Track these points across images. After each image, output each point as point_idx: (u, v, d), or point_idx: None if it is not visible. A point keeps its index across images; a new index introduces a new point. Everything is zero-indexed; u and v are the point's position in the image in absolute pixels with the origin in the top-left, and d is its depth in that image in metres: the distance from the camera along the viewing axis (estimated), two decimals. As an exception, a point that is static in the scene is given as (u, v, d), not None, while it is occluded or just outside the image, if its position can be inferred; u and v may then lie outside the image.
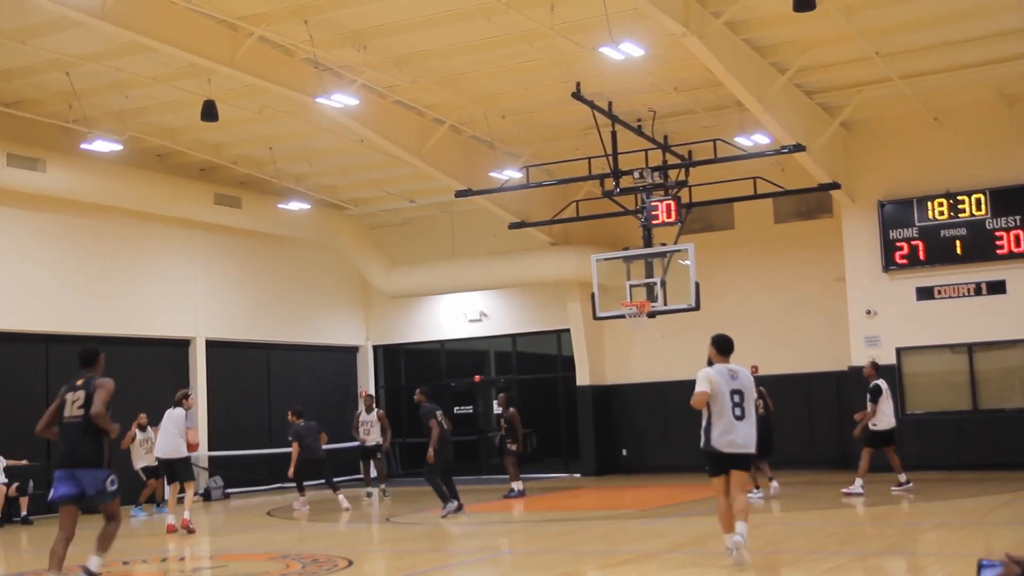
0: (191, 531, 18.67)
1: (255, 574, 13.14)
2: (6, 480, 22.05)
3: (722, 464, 11.57)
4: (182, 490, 19.43)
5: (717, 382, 11.56)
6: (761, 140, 23.70)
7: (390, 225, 32.61)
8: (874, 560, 12.42)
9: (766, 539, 14.58)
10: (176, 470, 19.49)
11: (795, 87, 23.39)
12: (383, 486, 25.46)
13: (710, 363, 11.92)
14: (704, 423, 11.65)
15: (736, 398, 11.50)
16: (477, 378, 31.81)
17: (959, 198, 25.12)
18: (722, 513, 11.53)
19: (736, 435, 11.48)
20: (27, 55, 20.67)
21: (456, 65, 22.04)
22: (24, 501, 22.10)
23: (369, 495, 24.76)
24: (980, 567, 5.41)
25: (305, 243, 31.17)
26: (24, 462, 22.34)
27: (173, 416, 19.44)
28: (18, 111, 23.17)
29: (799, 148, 22.32)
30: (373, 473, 25.67)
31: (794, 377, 27.51)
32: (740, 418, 11.52)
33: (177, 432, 19.34)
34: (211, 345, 28.76)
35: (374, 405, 26.17)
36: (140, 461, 23.22)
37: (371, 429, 25.18)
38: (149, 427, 22.77)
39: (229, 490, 27.90)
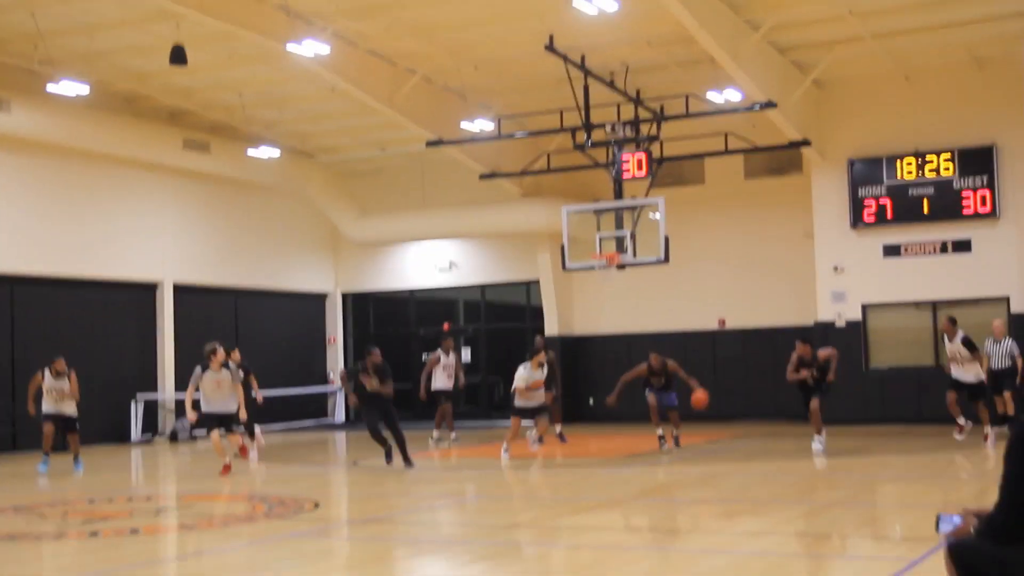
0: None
1: (220, 515, 13.29)
2: None
3: None
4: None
5: None
6: (733, 96, 23.65)
7: (360, 174, 32.56)
8: (833, 510, 12.67)
9: (729, 488, 14.83)
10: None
11: (768, 44, 23.43)
12: (454, 434, 23.79)
13: None
14: None
15: None
16: (446, 326, 31.89)
17: (928, 157, 25.24)
18: None
19: None
20: (-7, -6, 20.58)
21: (429, 14, 22.02)
22: None
23: (439, 440, 23.36)
24: (939, 520, 5.58)
25: (275, 190, 31.12)
26: None
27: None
28: (-16, 51, 23.08)
29: (770, 105, 22.47)
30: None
31: (761, 331, 27.80)
32: None
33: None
34: (179, 290, 28.73)
35: (452, 348, 23.99)
36: (47, 406, 19.88)
37: (455, 373, 23.40)
38: (67, 376, 20.00)
39: (196, 432, 27.99)
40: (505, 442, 19.12)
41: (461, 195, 30.12)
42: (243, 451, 19.01)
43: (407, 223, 31.34)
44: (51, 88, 23.39)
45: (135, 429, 27.12)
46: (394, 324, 33.61)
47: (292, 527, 12.02)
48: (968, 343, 19.25)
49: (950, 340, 19.46)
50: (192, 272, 29.17)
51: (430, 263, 32.49)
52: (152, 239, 28.09)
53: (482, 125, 25.57)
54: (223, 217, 30.15)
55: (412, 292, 33.15)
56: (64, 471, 19.18)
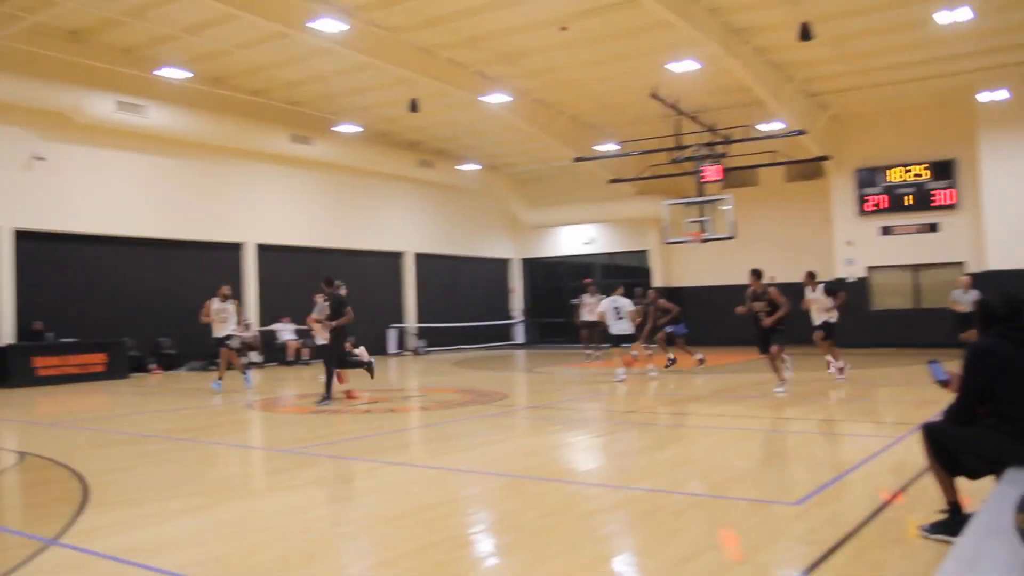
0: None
1: (445, 400, 13.48)
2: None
3: None
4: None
5: None
6: (777, 126, 23.02)
7: (530, 180, 32.55)
8: (844, 404, 12.26)
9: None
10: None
11: (800, 91, 22.68)
12: (597, 352, 22.23)
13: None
14: None
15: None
16: (586, 281, 31.70)
17: (910, 167, 24.28)
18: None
19: None
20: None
21: (574, 76, 21.85)
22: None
23: (589, 356, 22.12)
24: (930, 367, 5.34)
25: (476, 191, 31.36)
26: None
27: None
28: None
29: (802, 132, 21.75)
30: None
31: (797, 284, 27.00)
32: None
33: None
34: (419, 257, 29.28)
35: (594, 292, 22.68)
36: (217, 331, 15.87)
37: (594, 310, 20.71)
38: (230, 300, 15.95)
39: (429, 348, 28.56)
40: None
41: (596, 193, 29.91)
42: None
43: (561, 212, 31.27)
44: (336, 128, 23.94)
45: (391, 346, 27.77)
46: (552, 279, 33.57)
47: (489, 410, 12.14)
48: (829, 290, 15.75)
49: (812, 291, 15.84)
50: (427, 246, 29.66)
51: (576, 238, 32.36)
52: (401, 224, 28.59)
53: (609, 147, 25.34)
54: (443, 210, 30.52)
55: (564, 257, 33.07)
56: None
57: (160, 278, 21.42)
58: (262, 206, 24.09)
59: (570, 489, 6.78)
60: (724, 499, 6.23)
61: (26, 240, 19.16)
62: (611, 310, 16.65)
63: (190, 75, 19.66)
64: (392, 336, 27.78)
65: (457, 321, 30.17)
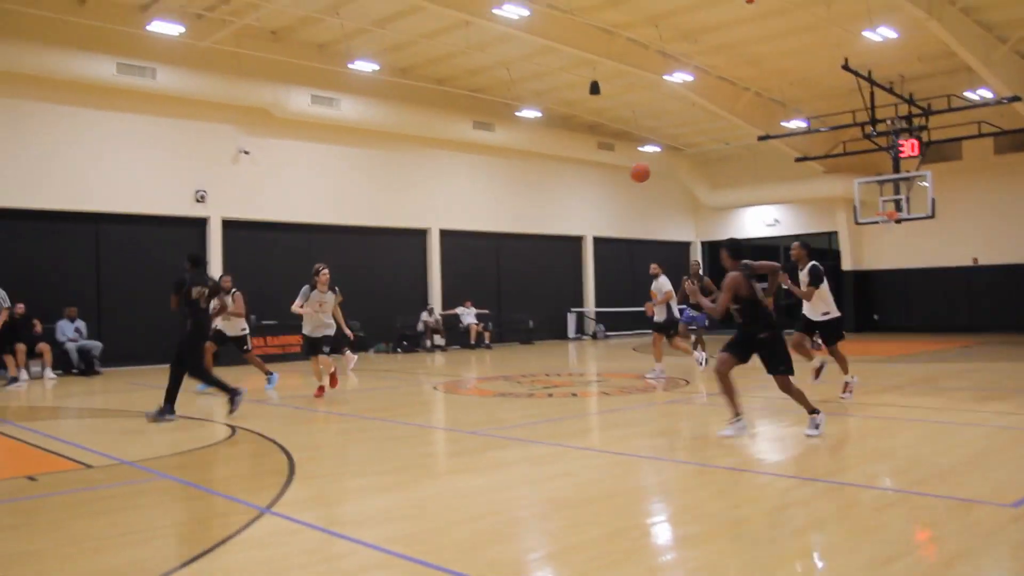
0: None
1: (625, 386, 13.46)
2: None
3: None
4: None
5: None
6: (985, 94, 21.46)
7: (712, 160, 31.92)
8: None
9: (981, 379, 13.54)
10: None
11: (1013, 53, 20.98)
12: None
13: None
14: None
15: None
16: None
17: None
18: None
19: None
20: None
21: (759, 50, 21.21)
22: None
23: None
24: None
25: (656, 173, 30.90)
26: None
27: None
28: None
29: (1016, 99, 20.17)
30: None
31: (1007, 266, 25.24)
32: None
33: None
34: (598, 240, 29.32)
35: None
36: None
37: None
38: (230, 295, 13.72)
39: (608, 333, 28.56)
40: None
41: (781, 173, 28.96)
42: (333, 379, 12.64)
43: (744, 193, 30.48)
44: (518, 114, 24.26)
45: (571, 330, 27.96)
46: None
47: (671, 396, 12.03)
48: (814, 274, 11.08)
49: (800, 268, 11.26)
50: (606, 229, 29.72)
51: (759, 220, 31.47)
52: (579, 209, 28.70)
53: (796, 124, 24.43)
54: (623, 193, 30.39)
55: (748, 240, 32.21)
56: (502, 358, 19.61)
57: (350, 264, 22.45)
58: (445, 192, 24.78)
59: (760, 480, 6.62)
60: (927, 496, 5.91)
61: (231, 228, 20.59)
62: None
63: (377, 67, 20.46)
64: (571, 320, 27.97)
65: (636, 305, 29.98)
